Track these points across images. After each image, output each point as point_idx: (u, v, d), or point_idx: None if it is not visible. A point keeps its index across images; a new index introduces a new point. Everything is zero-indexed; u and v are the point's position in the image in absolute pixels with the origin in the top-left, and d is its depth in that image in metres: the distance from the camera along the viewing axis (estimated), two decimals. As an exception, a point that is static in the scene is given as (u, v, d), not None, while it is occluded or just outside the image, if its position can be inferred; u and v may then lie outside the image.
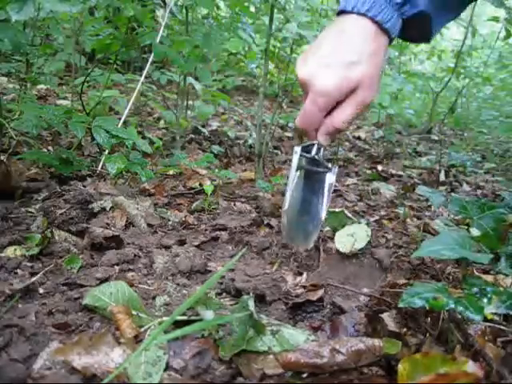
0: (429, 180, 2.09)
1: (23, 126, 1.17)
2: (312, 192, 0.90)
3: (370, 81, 0.76)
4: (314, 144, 0.83)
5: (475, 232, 0.80)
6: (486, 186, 2.05)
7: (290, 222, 0.89)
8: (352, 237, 1.02)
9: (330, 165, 0.87)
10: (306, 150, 0.85)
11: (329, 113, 0.79)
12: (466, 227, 1.23)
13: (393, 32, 0.77)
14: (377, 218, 1.33)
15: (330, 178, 0.89)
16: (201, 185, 1.40)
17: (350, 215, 1.18)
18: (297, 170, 0.86)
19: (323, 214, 0.88)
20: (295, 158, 0.84)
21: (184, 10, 1.95)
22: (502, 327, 0.66)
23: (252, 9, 2.74)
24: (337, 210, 1.16)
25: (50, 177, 1.27)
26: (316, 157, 0.84)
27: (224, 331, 0.63)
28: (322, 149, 0.84)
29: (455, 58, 3.74)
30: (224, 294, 0.78)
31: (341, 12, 0.78)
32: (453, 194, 1.87)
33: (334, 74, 0.74)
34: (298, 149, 0.84)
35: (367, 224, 1.12)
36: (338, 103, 0.77)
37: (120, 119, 1.48)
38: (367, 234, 1.02)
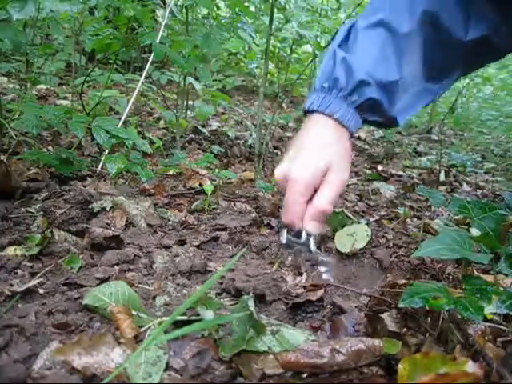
0: (429, 180, 2.09)
1: (23, 125, 1.17)
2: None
3: (341, 160, 0.83)
4: (301, 232, 0.85)
5: (475, 232, 0.80)
6: (485, 185, 2.05)
7: None
8: (352, 237, 1.02)
9: (324, 257, 0.91)
10: (296, 235, 0.87)
11: (309, 202, 0.83)
12: (466, 227, 1.23)
13: (347, 121, 0.85)
14: (377, 217, 1.33)
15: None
16: (201, 185, 1.40)
17: (350, 215, 1.18)
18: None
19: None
20: (282, 240, 0.87)
21: (184, 10, 1.95)
22: (502, 327, 0.66)
23: (252, 9, 2.74)
24: (337, 210, 1.16)
25: (50, 177, 1.27)
26: (307, 245, 0.85)
27: (224, 331, 0.63)
28: (312, 238, 0.85)
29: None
30: (224, 294, 0.78)
31: (304, 113, 0.88)
32: (453, 193, 1.87)
33: (303, 163, 0.82)
34: (284, 232, 0.87)
35: (367, 224, 1.12)
36: (315, 192, 0.83)
37: (120, 119, 1.48)
38: (367, 233, 1.03)
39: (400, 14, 0.86)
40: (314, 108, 0.85)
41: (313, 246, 0.85)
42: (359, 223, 1.16)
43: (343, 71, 0.85)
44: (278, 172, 0.85)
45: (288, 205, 0.83)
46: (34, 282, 0.72)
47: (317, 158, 0.82)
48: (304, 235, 0.84)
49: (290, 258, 0.92)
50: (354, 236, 1.02)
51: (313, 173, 0.81)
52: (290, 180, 0.82)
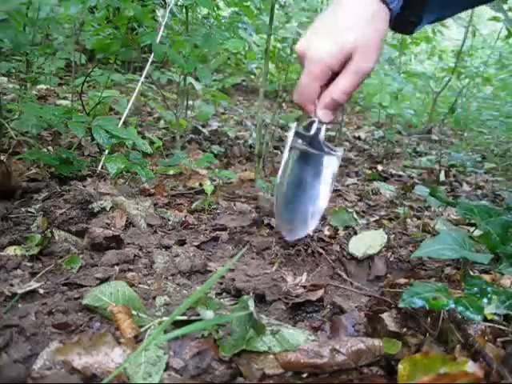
0: (429, 180, 2.09)
1: (23, 125, 1.17)
2: (310, 174, 0.85)
3: (367, 47, 0.73)
4: (313, 122, 0.79)
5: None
6: (485, 185, 2.05)
7: (285, 201, 0.84)
8: (367, 242, 1.00)
9: (333, 147, 0.82)
10: (306, 129, 0.80)
11: (326, 86, 0.76)
12: (466, 227, 1.23)
13: (393, 5, 0.74)
14: (377, 218, 1.33)
15: (333, 162, 0.83)
16: (201, 185, 1.40)
17: (355, 216, 1.17)
18: (291, 149, 0.81)
19: (324, 202, 0.83)
20: (290, 135, 0.80)
21: (184, 10, 1.95)
22: (502, 327, 0.66)
23: (252, 8, 2.73)
24: (336, 208, 1.16)
25: (50, 177, 1.27)
26: (316, 136, 0.79)
27: (224, 331, 0.63)
28: (324, 127, 0.79)
29: (455, 57, 3.74)
30: (224, 294, 0.78)
31: None
32: (453, 194, 1.87)
33: (327, 40, 0.73)
34: (293, 125, 0.80)
35: (384, 230, 1.10)
36: (335, 75, 0.75)
37: (120, 119, 1.48)
38: (383, 239, 1.00)
39: None
40: None
41: (322, 136, 0.80)
42: (356, 220, 1.16)
43: None
44: (299, 45, 0.77)
45: (301, 86, 0.77)
46: (35, 285, 0.72)
47: (341, 38, 0.72)
48: (315, 126, 0.79)
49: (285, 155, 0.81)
50: (370, 241, 0.99)
51: (333, 55, 0.73)
52: (308, 58, 0.74)
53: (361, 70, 0.73)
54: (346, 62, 0.74)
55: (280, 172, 0.80)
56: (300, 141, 0.82)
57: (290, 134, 0.80)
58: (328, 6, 0.78)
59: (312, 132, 0.79)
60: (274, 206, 0.84)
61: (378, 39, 0.74)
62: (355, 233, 1.11)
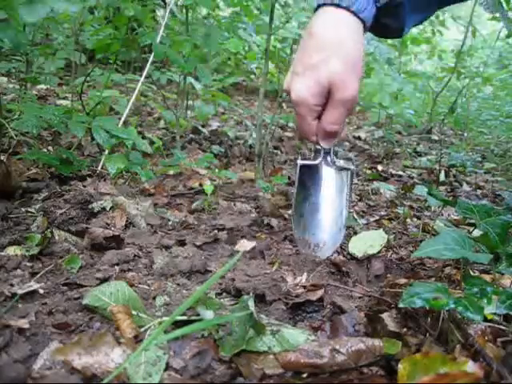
0: (429, 180, 2.09)
1: (23, 126, 1.17)
2: (330, 192, 0.92)
3: (343, 76, 0.74)
4: (320, 149, 0.86)
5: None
6: (485, 185, 2.05)
7: (305, 224, 0.91)
8: (367, 242, 0.99)
9: (344, 163, 0.89)
10: (315, 155, 0.89)
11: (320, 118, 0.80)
12: (466, 227, 1.23)
13: (361, 12, 0.75)
14: (377, 217, 1.33)
15: (346, 176, 0.90)
16: (201, 185, 1.40)
17: (355, 216, 1.17)
18: (301, 168, 0.89)
19: (344, 216, 0.90)
20: (297, 170, 0.88)
21: (184, 10, 1.95)
22: (502, 327, 0.66)
23: (253, 9, 2.74)
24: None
25: (50, 177, 1.27)
26: (322, 160, 0.87)
27: (224, 331, 0.63)
28: (332, 150, 0.86)
29: (455, 57, 3.74)
30: (224, 294, 0.78)
31: (317, 7, 0.78)
32: (453, 194, 1.87)
33: (304, 79, 0.76)
34: (299, 161, 0.88)
35: (385, 231, 1.09)
36: (325, 104, 0.78)
37: (120, 119, 1.48)
38: (384, 239, 0.99)
39: None
40: (333, 1, 0.74)
41: (332, 158, 0.87)
42: (357, 221, 1.16)
43: None
44: (285, 84, 0.82)
45: (299, 125, 0.82)
46: (35, 285, 0.72)
47: (315, 75, 0.74)
48: (322, 152, 0.86)
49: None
50: (370, 241, 0.99)
51: (313, 94, 0.76)
52: (292, 101, 0.79)
53: (341, 100, 0.76)
54: (327, 94, 0.77)
55: (295, 199, 0.89)
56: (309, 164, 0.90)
57: (297, 169, 0.88)
58: (302, 39, 0.81)
59: (319, 159, 0.87)
60: (296, 236, 0.92)
61: (355, 58, 0.75)
62: (355, 233, 1.11)
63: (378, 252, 0.97)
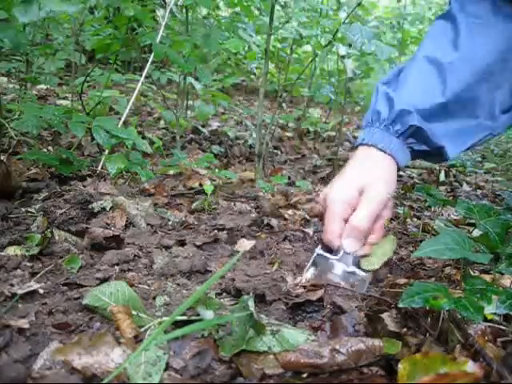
0: (429, 180, 2.09)
1: (23, 126, 1.17)
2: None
3: (375, 183, 0.86)
4: (340, 250, 0.86)
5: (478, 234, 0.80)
6: (485, 185, 2.05)
7: None
8: (378, 251, 0.91)
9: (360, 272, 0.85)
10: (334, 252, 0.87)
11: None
12: (466, 227, 1.23)
13: (392, 150, 0.89)
14: (377, 217, 1.33)
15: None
16: (201, 185, 1.40)
17: None
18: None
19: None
20: (314, 255, 0.87)
21: (184, 10, 1.95)
22: (502, 327, 0.66)
23: (252, 8, 2.73)
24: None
25: (50, 177, 1.27)
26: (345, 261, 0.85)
27: (224, 331, 0.63)
28: (351, 256, 0.85)
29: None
30: (224, 294, 0.78)
31: (357, 146, 0.94)
32: (453, 194, 1.87)
33: (341, 184, 0.88)
34: (318, 248, 0.88)
35: (393, 234, 1.01)
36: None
37: (120, 119, 1.48)
38: (394, 245, 0.93)
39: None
40: (359, 142, 0.92)
41: (350, 263, 0.84)
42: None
43: (385, 104, 0.91)
44: (321, 195, 0.92)
45: (327, 224, 0.86)
46: (35, 285, 0.72)
47: (353, 180, 0.87)
48: (341, 252, 0.85)
49: (311, 272, 0.86)
50: (381, 250, 0.91)
51: (348, 192, 0.86)
52: (328, 200, 0.87)
53: (374, 198, 0.85)
54: (359, 196, 0.86)
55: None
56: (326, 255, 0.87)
57: (313, 256, 0.87)
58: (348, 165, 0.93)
59: (338, 256, 0.85)
60: None
61: (392, 179, 0.90)
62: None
63: (387, 260, 0.91)
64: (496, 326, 0.67)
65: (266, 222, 1.13)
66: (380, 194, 0.85)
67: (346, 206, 0.85)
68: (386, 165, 0.90)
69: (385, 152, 0.89)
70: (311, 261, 0.87)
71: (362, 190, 0.86)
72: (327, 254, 0.86)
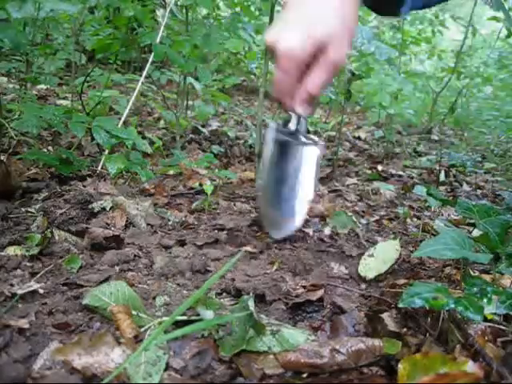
0: (429, 180, 2.09)
1: (23, 125, 1.17)
2: (292, 168, 0.86)
3: (337, 38, 0.71)
4: (291, 117, 0.79)
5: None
6: (485, 185, 2.05)
7: (270, 200, 0.85)
8: (380, 257, 0.91)
9: (313, 137, 0.83)
10: (285, 125, 0.81)
11: (301, 78, 0.74)
12: (466, 227, 1.23)
13: None
14: (377, 217, 1.33)
15: (314, 153, 0.84)
16: (201, 185, 1.40)
17: (354, 218, 1.17)
18: (272, 143, 0.81)
19: (310, 194, 0.84)
20: (270, 134, 0.80)
21: (184, 10, 1.95)
22: (502, 327, 0.66)
23: (252, 9, 2.73)
24: (336, 209, 1.15)
25: (50, 177, 1.27)
26: (296, 129, 0.79)
27: (224, 331, 0.63)
28: (305, 121, 0.79)
29: (455, 57, 3.74)
30: (224, 294, 0.78)
31: None
32: (453, 194, 1.87)
33: (297, 33, 0.70)
34: (272, 124, 0.81)
35: (399, 239, 1.01)
36: (308, 68, 0.73)
37: (120, 119, 1.48)
38: (397, 251, 0.92)
39: None
40: None
41: (304, 129, 0.80)
42: (355, 222, 1.15)
43: None
44: (268, 37, 0.74)
45: (277, 81, 0.75)
46: (35, 285, 0.72)
47: (311, 31, 0.70)
48: (294, 121, 0.79)
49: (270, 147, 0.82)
50: (381, 255, 0.90)
51: (304, 49, 0.70)
52: (279, 53, 0.72)
53: (334, 62, 0.72)
54: (317, 53, 0.71)
55: (263, 172, 0.81)
56: (280, 135, 0.82)
57: (270, 132, 0.80)
58: None
59: (293, 127, 0.79)
60: (260, 207, 0.84)
61: (349, 24, 0.72)
62: (356, 235, 1.11)
63: (390, 268, 0.90)
64: (496, 326, 0.67)
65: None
66: (341, 55, 0.72)
67: (301, 63, 0.72)
68: (355, 1, 0.73)
69: None
70: (269, 139, 0.81)
71: (320, 47, 0.70)
72: (282, 129, 0.81)
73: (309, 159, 0.85)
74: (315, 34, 0.69)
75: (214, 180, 1.47)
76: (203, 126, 2.47)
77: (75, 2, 1.08)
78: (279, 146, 0.84)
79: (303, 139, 0.83)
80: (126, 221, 1.04)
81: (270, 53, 0.76)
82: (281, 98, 0.77)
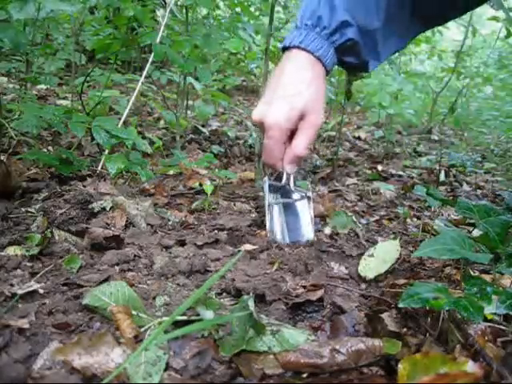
0: (429, 180, 2.09)
1: (23, 125, 1.17)
2: (292, 215, 1.04)
3: (315, 106, 0.85)
4: (282, 173, 0.95)
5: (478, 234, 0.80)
6: (485, 185, 2.05)
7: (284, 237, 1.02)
8: (380, 257, 0.91)
9: (302, 190, 1.02)
10: (276, 179, 0.98)
11: (288, 144, 0.88)
12: (466, 227, 1.23)
13: (326, 59, 0.87)
14: (377, 217, 1.33)
15: (305, 204, 1.03)
16: (201, 185, 1.40)
17: (354, 219, 1.17)
18: (270, 206, 1.00)
19: (310, 232, 1.01)
20: (265, 188, 0.99)
21: (184, 10, 1.95)
22: (502, 327, 0.66)
23: (252, 9, 2.73)
24: (336, 209, 1.15)
25: (50, 177, 1.27)
26: (287, 185, 0.96)
27: (224, 331, 0.63)
28: (292, 176, 0.95)
29: (455, 57, 3.74)
30: (224, 294, 0.78)
31: (283, 49, 0.89)
32: (453, 194, 1.87)
33: (281, 107, 0.84)
34: (265, 178, 0.99)
35: (399, 239, 1.02)
36: (292, 134, 0.87)
37: (120, 119, 1.48)
38: (397, 251, 0.92)
39: None
40: (295, 44, 0.86)
41: (292, 184, 0.96)
42: (355, 223, 1.15)
43: (327, 10, 0.86)
44: (255, 114, 0.88)
45: (267, 149, 0.88)
46: (35, 285, 0.72)
47: (293, 102, 0.84)
48: (284, 177, 0.94)
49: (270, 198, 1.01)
50: (382, 255, 0.91)
51: (288, 118, 0.84)
52: (267, 125, 0.85)
53: (315, 125, 0.86)
54: (298, 121, 0.85)
55: (267, 224, 1.00)
56: (275, 195, 1.03)
57: (266, 188, 0.99)
58: (272, 77, 0.90)
59: (283, 181, 0.95)
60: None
61: (321, 94, 0.87)
62: (356, 235, 1.11)
63: (390, 268, 0.90)
64: (496, 325, 0.67)
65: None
66: (319, 119, 0.86)
67: (287, 131, 0.85)
68: (320, 76, 0.87)
69: (321, 61, 0.86)
70: (266, 190, 0.99)
71: (301, 115, 0.84)
72: (274, 183, 0.99)
73: (305, 209, 1.03)
74: (297, 105, 0.84)
75: (214, 180, 1.47)
76: (203, 126, 2.47)
77: (75, 2, 1.08)
78: (277, 206, 1.04)
79: (294, 193, 1.02)
80: (126, 221, 1.04)
81: (258, 127, 0.93)
82: (272, 162, 0.90)
